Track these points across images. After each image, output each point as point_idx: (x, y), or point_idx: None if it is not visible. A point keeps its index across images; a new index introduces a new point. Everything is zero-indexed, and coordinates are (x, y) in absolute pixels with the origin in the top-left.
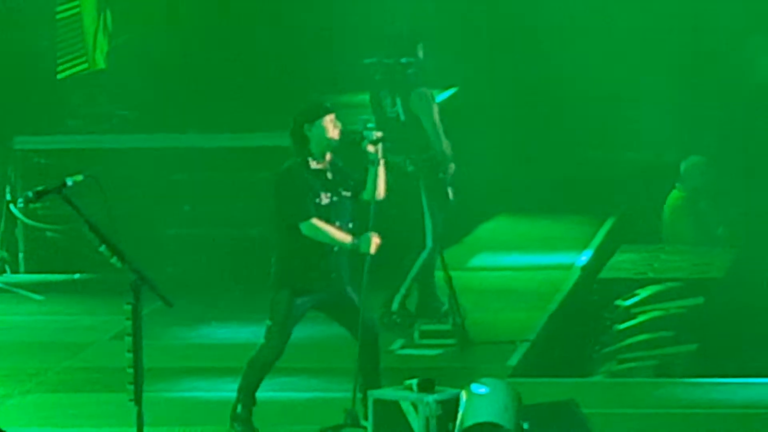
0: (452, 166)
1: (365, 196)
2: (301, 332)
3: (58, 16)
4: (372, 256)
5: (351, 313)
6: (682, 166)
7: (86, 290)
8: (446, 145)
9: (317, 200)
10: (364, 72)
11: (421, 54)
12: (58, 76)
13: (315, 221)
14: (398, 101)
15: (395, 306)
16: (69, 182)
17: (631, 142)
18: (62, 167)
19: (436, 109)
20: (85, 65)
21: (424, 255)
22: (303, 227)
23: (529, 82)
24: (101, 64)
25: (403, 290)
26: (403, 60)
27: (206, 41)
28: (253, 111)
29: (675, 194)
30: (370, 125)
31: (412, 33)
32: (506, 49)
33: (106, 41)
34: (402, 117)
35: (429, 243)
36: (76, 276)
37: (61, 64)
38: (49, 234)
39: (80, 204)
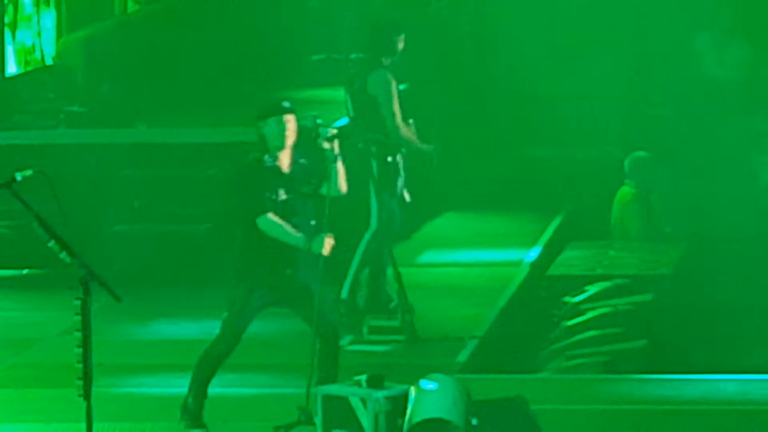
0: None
1: (324, 191)
2: (252, 328)
3: None
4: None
5: (311, 310)
6: (626, 162)
7: (35, 286)
8: (405, 130)
9: (274, 196)
10: (313, 68)
11: (401, 45)
12: (6, 56)
13: (271, 216)
14: (359, 78)
15: (344, 294)
16: (18, 177)
17: (579, 139)
18: (10, 163)
19: (395, 93)
20: (34, 46)
21: (367, 236)
22: (259, 222)
23: (478, 79)
24: (52, 57)
25: (350, 276)
26: (353, 56)
27: (155, 37)
28: (201, 106)
29: (625, 190)
30: (319, 121)
31: (393, 25)
32: (454, 47)
33: (57, 35)
34: (355, 88)
35: (373, 224)
36: (25, 272)
37: (10, 50)
38: None
39: (29, 199)
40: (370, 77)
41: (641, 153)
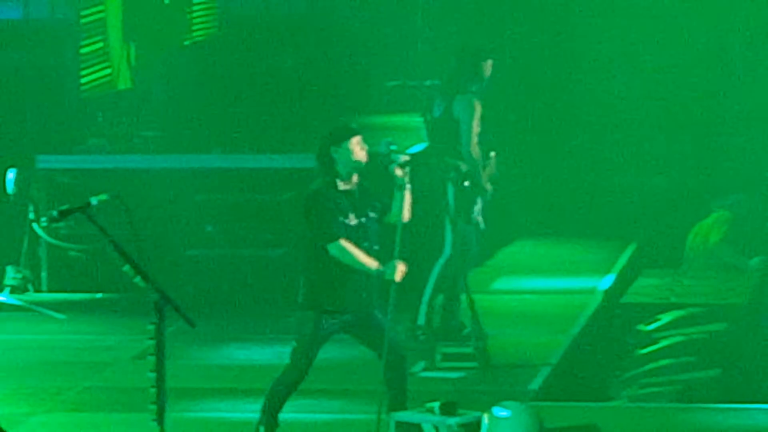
0: (489, 187)
1: (391, 219)
2: (323, 353)
3: (83, 21)
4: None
5: (378, 335)
6: (732, 197)
7: (108, 310)
8: (476, 151)
9: (346, 221)
10: (388, 94)
11: (488, 72)
12: (82, 80)
13: (343, 243)
14: (443, 103)
15: (421, 320)
16: (94, 202)
17: (654, 166)
18: (85, 187)
19: (477, 116)
20: (108, 71)
21: (441, 261)
22: (331, 248)
23: (554, 106)
24: (127, 82)
25: (424, 302)
26: (427, 82)
27: (230, 62)
28: (276, 132)
29: (721, 215)
30: (393, 147)
31: (480, 51)
32: (530, 73)
33: (132, 59)
34: (437, 114)
35: (447, 250)
36: (99, 295)
37: (85, 74)
38: (71, 253)
39: (104, 224)
40: (457, 99)
41: (743, 195)
